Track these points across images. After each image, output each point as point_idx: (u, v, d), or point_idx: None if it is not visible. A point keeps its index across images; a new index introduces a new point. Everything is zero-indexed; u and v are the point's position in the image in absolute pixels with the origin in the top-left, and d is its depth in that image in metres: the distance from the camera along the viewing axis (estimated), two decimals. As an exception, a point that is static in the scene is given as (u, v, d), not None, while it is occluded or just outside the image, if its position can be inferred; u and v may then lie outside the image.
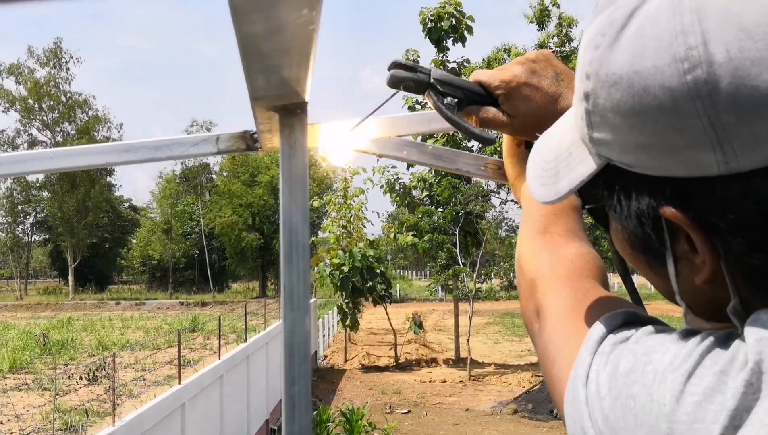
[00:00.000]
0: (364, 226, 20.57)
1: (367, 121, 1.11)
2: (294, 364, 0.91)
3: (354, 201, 20.45)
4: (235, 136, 1.11)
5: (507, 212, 23.20)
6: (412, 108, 17.84)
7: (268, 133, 1.03)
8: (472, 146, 17.72)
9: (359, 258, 18.09)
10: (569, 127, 0.65)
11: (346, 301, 18.80)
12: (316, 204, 20.77)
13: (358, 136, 1.13)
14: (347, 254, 18.30)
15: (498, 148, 16.90)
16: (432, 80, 0.95)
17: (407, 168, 19.00)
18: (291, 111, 0.92)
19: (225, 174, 53.73)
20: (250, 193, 48.79)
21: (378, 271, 18.48)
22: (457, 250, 18.88)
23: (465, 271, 19.02)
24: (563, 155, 0.64)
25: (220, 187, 51.51)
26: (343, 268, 18.16)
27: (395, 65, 0.94)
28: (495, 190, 18.86)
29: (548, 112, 0.92)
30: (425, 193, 19.40)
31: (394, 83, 0.94)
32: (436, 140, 16.98)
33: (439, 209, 19.48)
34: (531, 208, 0.90)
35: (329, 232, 20.46)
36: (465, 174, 1.16)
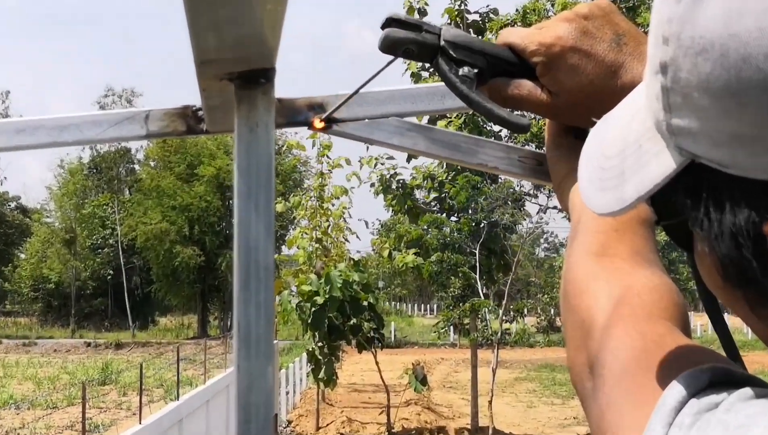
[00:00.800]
0: (347, 240, 20.62)
1: (355, 97, 1.12)
2: (250, 433, 0.91)
3: (333, 204, 20.50)
4: (172, 114, 1.12)
5: (548, 224, 23.23)
6: (416, 77, 17.86)
7: (219, 109, 1.04)
8: (499, 131, 17.79)
9: (339, 285, 18.08)
10: (638, 110, 0.66)
11: (320, 344, 18.78)
12: (279, 208, 20.78)
13: (340, 115, 1.14)
14: (322, 279, 18.28)
15: (539, 136, 16.98)
16: (443, 43, 0.96)
17: (408, 160, 19.05)
18: (252, 80, 0.93)
19: (152, 164, 53.78)
20: (187, 190, 48.82)
21: (365, 303, 18.48)
22: (477, 276, 18.91)
23: (488, 304, 19.06)
24: (630, 149, 0.65)
25: (146, 181, 51.55)
26: (317, 298, 18.14)
27: (391, 21, 0.94)
28: (532, 192, 18.93)
29: (606, 89, 0.93)
30: (433, 194, 19.45)
31: (390, 46, 0.94)
32: (450, 122, 17.05)
33: (453, 218, 19.52)
34: (584, 221, 0.91)
35: (297, 247, 20.48)
36: (490, 170, 1.17)
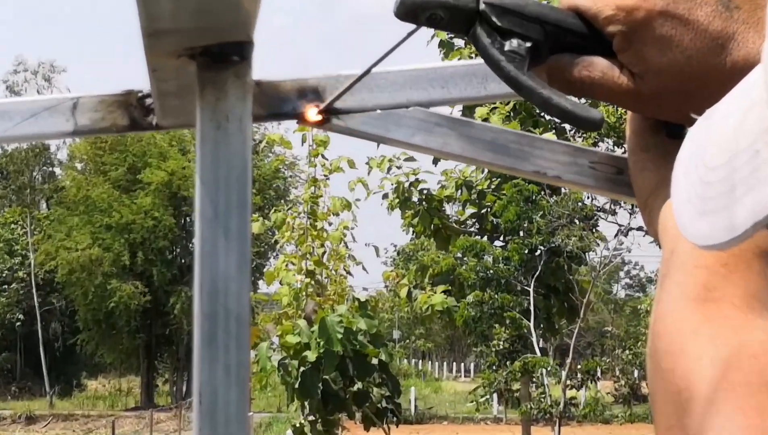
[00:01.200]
0: (350, 273, 20.59)
1: (364, 79, 1.12)
2: None
3: (331, 223, 20.51)
4: (109, 103, 1.13)
5: (630, 251, 23.11)
6: (446, 47, 17.83)
7: (175, 97, 1.05)
8: (559, 124, 17.77)
9: (339, 335, 18.09)
10: (754, 102, 0.66)
11: (311, 418, 18.75)
12: (255, 227, 20.84)
13: (343, 104, 1.15)
14: (315, 327, 18.31)
15: (617, 131, 16.92)
16: (482, 6, 0.96)
17: (434, 162, 19.13)
18: (221, 58, 0.95)
19: (79, 166, 53.97)
20: (127, 204, 48.96)
21: (375, 360, 18.47)
22: (532, 324, 18.88)
23: (546, 363, 19.01)
24: (743, 157, 0.65)
25: (70, 191, 51.73)
26: (307, 354, 18.15)
27: None
28: (608, 207, 18.93)
29: (709, 69, 0.93)
30: (470, 210, 19.46)
31: (410, 11, 0.95)
32: (493, 110, 17.14)
33: (498, 243, 19.52)
34: (680, 252, 0.91)
35: (281, 282, 20.50)
36: (551, 181, 1.19)
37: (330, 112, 1.15)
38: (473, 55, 22.29)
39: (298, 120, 1.15)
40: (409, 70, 1.16)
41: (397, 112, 1.16)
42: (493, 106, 16.99)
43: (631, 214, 18.39)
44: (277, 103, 1.13)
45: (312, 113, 1.14)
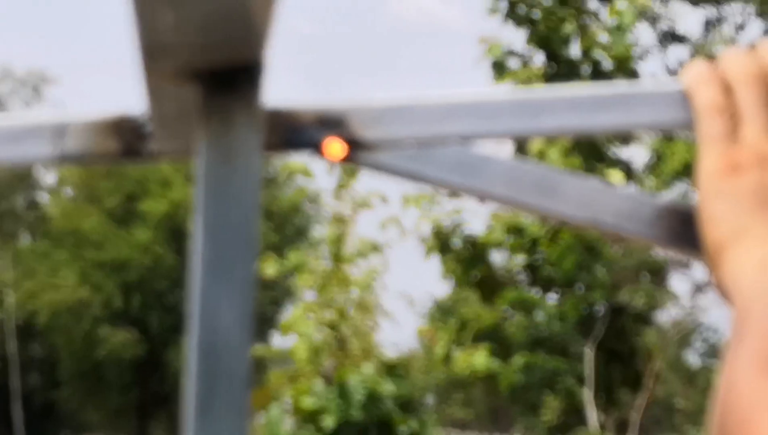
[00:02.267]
0: (378, 327, 20.56)
1: (397, 108, 1.13)
2: None
3: (357, 267, 20.53)
4: (101, 127, 1.14)
5: (706, 312, 23.00)
6: (498, 68, 17.83)
7: (176, 123, 1.06)
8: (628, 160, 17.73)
9: (361, 399, 18.09)
10: None
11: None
12: (270, 270, 20.88)
13: (372, 135, 1.14)
14: (335, 390, 18.32)
15: (688, 171, 16.80)
16: None
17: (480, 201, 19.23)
18: (228, 81, 0.95)
19: (68, 193, 54.19)
20: (122, 237, 49.09)
21: (404, 429, 18.44)
22: (588, 393, 18.79)
23: (603, 440, 18.91)
24: None
25: (57, 221, 51.94)
26: (325, 419, 18.17)
27: None
28: (681, 260, 18.86)
29: None
30: (521, 257, 19.43)
31: None
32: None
33: (552, 297, 19.46)
34: (756, 316, 0.92)
35: (298, 335, 20.53)
36: (608, 233, 1.17)
37: (356, 145, 1.15)
38: (529, 79, 22.32)
39: (318, 153, 1.15)
40: (449, 97, 1.16)
41: (435, 146, 1.16)
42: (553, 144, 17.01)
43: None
44: (294, 133, 1.12)
45: (335, 146, 1.14)
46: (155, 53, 0.90)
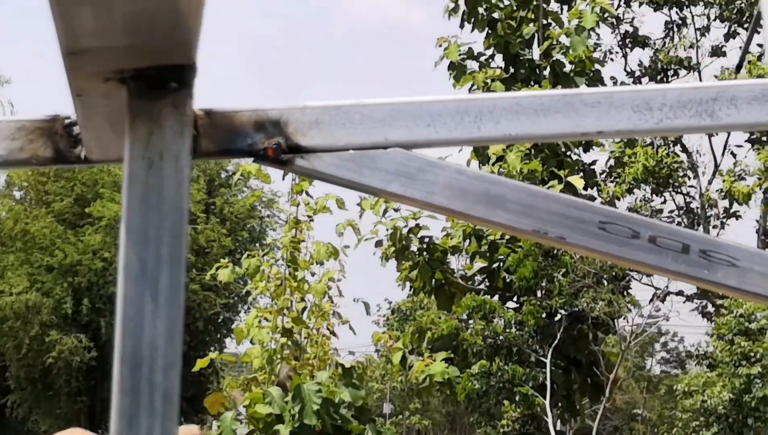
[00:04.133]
0: (334, 334, 20.46)
1: (337, 111, 1.12)
2: None
3: (313, 274, 20.45)
4: (31, 130, 1.12)
5: (668, 320, 23.14)
6: (457, 70, 17.80)
7: (105, 126, 1.04)
8: (588, 166, 17.81)
9: (317, 406, 18.03)
10: None
11: (282, 507, 18.71)
12: (224, 275, 20.76)
13: (311, 141, 1.14)
14: (289, 396, 18.27)
15: (659, 178, 16.74)
16: None
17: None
18: (156, 83, 0.93)
19: (17, 195, 53.88)
20: (72, 241, 48.82)
21: (359, 439, 18.40)
22: (547, 401, 18.84)
23: (562, 450, 18.95)
24: None
25: (5, 224, 51.57)
26: (279, 428, 18.09)
27: None
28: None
29: None
30: (479, 264, 19.47)
31: None
32: (510, 146, 17.26)
33: (511, 304, 19.51)
34: None
35: (252, 341, 20.46)
36: (552, 243, 1.17)
37: (293, 150, 1.14)
38: (489, 81, 22.36)
39: (254, 158, 1.14)
40: (389, 103, 1.15)
41: (374, 153, 1.15)
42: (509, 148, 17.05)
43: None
44: (230, 137, 1.11)
45: (271, 151, 1.13)
46: (77, 56, 0.89)
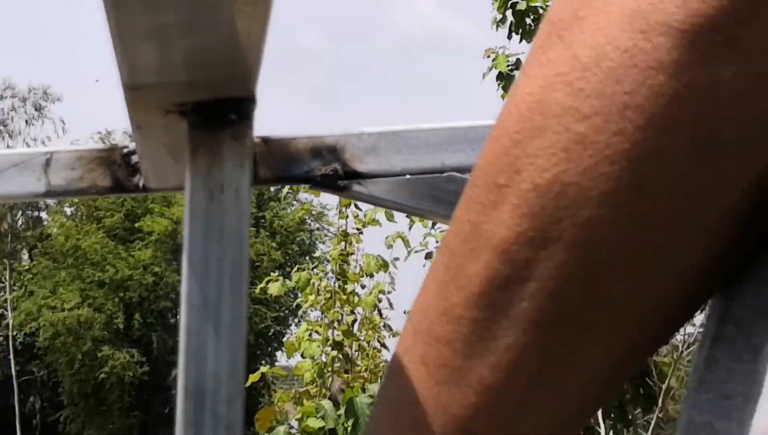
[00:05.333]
0: (384, 346, 20.43)
1: (393, 138, 1.12)
2: None
3: (364, 286, 20.39)
4: (89, 159, 1.13)
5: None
6: (505, 81, 17.80)
7: (165, 156, 1.05)
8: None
9: (369, 419, 17.99)
10: None
11: None
12: (275, 289, 20.74)
13: (367, 167, 1.13)
14: (342, 410, 18.26)
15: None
16: None
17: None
18: (216, 116, 0.94)
19: (68, 211, 54.07)
20: (123, 257, 48.95)
21: (412, 452, 18.37)
22: (599, 413, 18.70)
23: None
24: None
25: (57, 240, 51.73)
26: (331, 442, 18.09)
27: None
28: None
29: None
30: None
31: None
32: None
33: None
34: None
35: (302, 355, 20.42)
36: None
37: (350, 177, 1.14)
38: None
39: (311, 185, 1.14)
40: (444, 128, 1.15)
41: (431, 178, 1.15)
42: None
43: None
44: (287, 164, 1.12)
45: (327, 177, 1.13)
46: (137, 90, 0.90)
